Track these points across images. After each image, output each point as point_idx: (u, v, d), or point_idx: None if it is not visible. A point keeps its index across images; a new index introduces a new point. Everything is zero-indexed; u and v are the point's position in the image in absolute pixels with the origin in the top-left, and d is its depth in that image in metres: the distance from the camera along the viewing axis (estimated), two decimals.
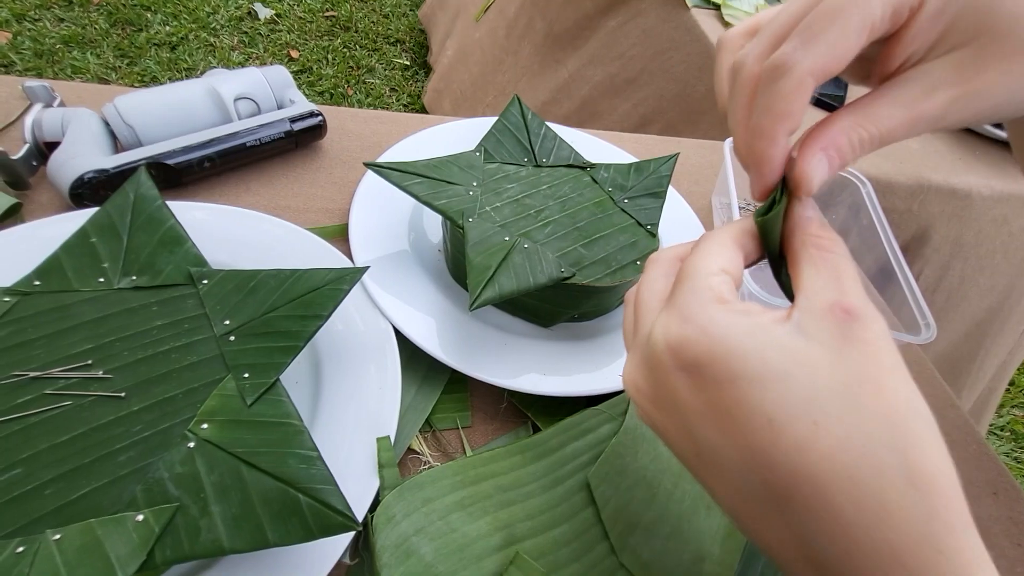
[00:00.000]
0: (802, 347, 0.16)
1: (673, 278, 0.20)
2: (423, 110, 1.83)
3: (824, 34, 0.18)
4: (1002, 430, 1.39)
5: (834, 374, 0.15)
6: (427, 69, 1.99)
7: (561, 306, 0.35)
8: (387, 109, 1.82)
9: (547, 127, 0.44)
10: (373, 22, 2.09)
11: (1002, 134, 0.79)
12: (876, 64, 0.20)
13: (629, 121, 0.94)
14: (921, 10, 0.18)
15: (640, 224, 0.38)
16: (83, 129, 0.36)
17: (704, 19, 0.86)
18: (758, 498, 0.16)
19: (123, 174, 0.35)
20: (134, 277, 0.28)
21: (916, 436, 0.15)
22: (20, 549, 0.19)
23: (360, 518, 0.25)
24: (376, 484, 0.26)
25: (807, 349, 0.16)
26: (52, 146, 0.36)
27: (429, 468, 0.28)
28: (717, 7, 0.88)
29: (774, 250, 0.21)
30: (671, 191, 0.48)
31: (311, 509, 0.21)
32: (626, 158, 0.51)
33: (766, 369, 0.16)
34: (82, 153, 0.35)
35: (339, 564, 0.24)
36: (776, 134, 0.19)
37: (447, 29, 1.61)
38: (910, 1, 0.18)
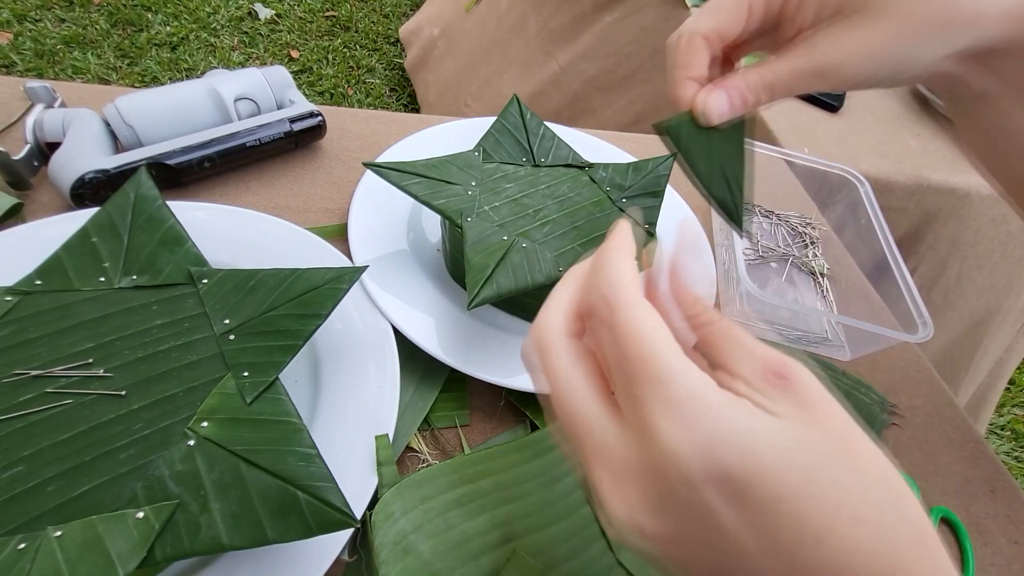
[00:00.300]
0: (794, 434, 0.14)
1: (587, 362, 0.16)
2: (423, 110, 1.83)
3: (712, 7, 0.25)
4: (1003, 429, 1.39)
5: (832, 455, 0.14)
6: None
7: None
8: (387, 109, 1.82)
9: (545, 127, 0.44)
10: (373, 22, 2.09)
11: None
12: (779, 33, 0.25)
13: (623, 117, 0.94)
14: None
15: (638, 224, 0.38)
16: (84, 129, 0.36)
17: None
18: None
19: (123, 174, 0.35)
20: (134, 276, 0.28)
21: (903, 489, 0.15)
22: (22, 546, 0.19)
23: (359, 515, 0.25)
24: (375, 482, 0.26)
25: (798, 434, 0.14)
26: (53, 146, 0.36)
27: (427, 466, 0.28)
28: None
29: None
30: (670, 190, 0.48)
31: (310, 506, 0.21)
32: (625, 157, 0.51)
33: (799, 480, 0.14)
34: (83, 153, 0.35)
35: (338, 561, 0.24)
36: (677, 79, 0.26)
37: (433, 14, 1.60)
38: None
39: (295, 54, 1.88)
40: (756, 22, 0.25)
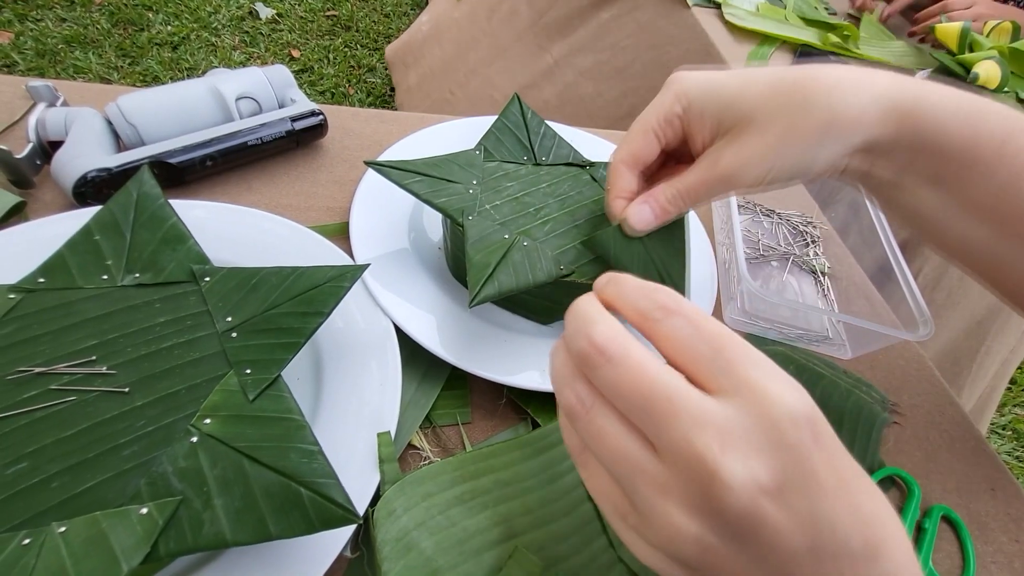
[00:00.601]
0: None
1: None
2: (425, 110, 1.83)
3: (627, 139, 0.30)
4: (1004, 428, 1.39)
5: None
6: None
7: (560, 303, 0.35)
8: (388, 108, 1.82)
9: (546, 126, 0.44)
10: (374, 21, 2.09)
11: None
12: (693, 152, 0.29)
13: (616, 110, 0.93)
14: (687, 115, 0.28)
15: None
16: (86, 128, 0.36)
17: (705, 17, 0.86)
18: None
19: (126, 173, 0.35)
20: (137, 274, 0.28)
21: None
22: (26, 541, 0.20)
23: (361, 512, 0.25)
24: (377, 479, 0.26)
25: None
26: (55, 145, 0.36)
27: (429, 463, 0.28)
28: (718, 6, 0.88)
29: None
30: None
31: (312, 502, 0.21)
32: None
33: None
34: (85, 152, 0.35)
35: (340, 558, 0.24)
36: (609, 199, 0.31)
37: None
38: (674, 109, 0.28)
39: (296, 53, 1.88)
40: (669, 142, 0.30)
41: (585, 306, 0.19)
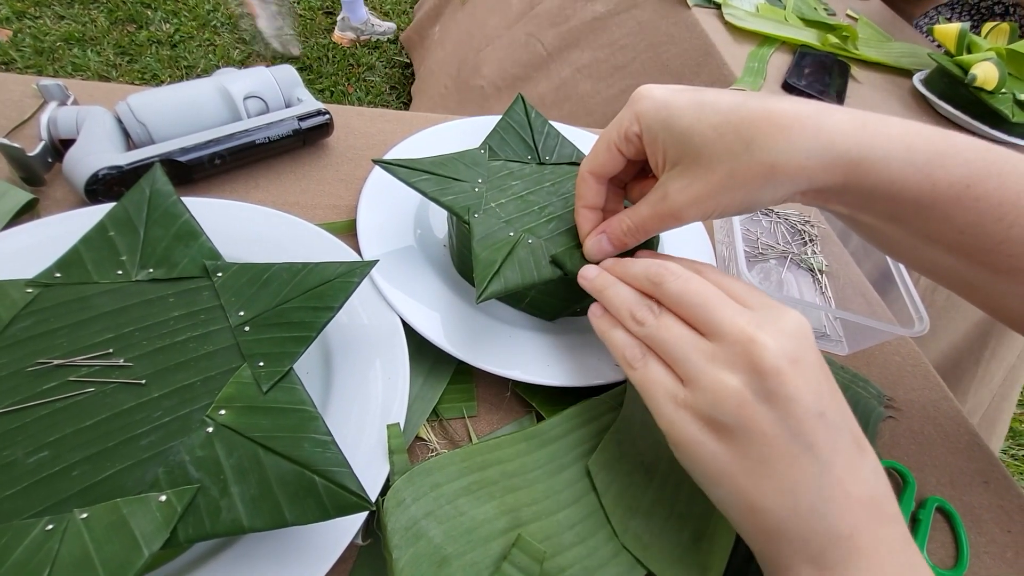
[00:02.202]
0: None
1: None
2: (427, 108, 1.83)
3: (593, 150, 0.31)
4: None
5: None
6: None
7: (564, 300, 0.36)
8: (387, 107, 1.83)
9: (550, 125, 0.45)
10: None
11: (1001, 135, 0.80)
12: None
13: (613, 106, 0.93)
14: (644, 136, 0.28)
15: None
16: (97, 127, 0.37)
17: (705, 17, 0.86)
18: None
19: (136, 171, 0.36)
20: (151, 269, 0.29)
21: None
22: (50, 527, 0.20)
23: (372, 501, 0.25)
24: (386, 470, 0.27)
25: None
26: (67, 143, 0.37)
27: (437, 455, 0.29)
28: (718, 6, 0.89)
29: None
30: None
31: (326, 490, 0.22)
32: None
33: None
34: (96, 150, 0.36)
35: (352, 545, 0.25)
36: (576, 208, 0.33)
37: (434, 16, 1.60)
38: (634, 129, 0.29)
39: (295, 52, 1.88)
40: (634, 156, 0.30)
41: (642, 260, 0.28)
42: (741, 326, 0.23)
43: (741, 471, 0.22)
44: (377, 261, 0.31)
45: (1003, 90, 0.79)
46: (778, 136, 0.24)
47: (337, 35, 1.97)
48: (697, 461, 0.23)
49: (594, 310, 0.30)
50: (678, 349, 0.24)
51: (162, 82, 1.67)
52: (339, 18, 1.96)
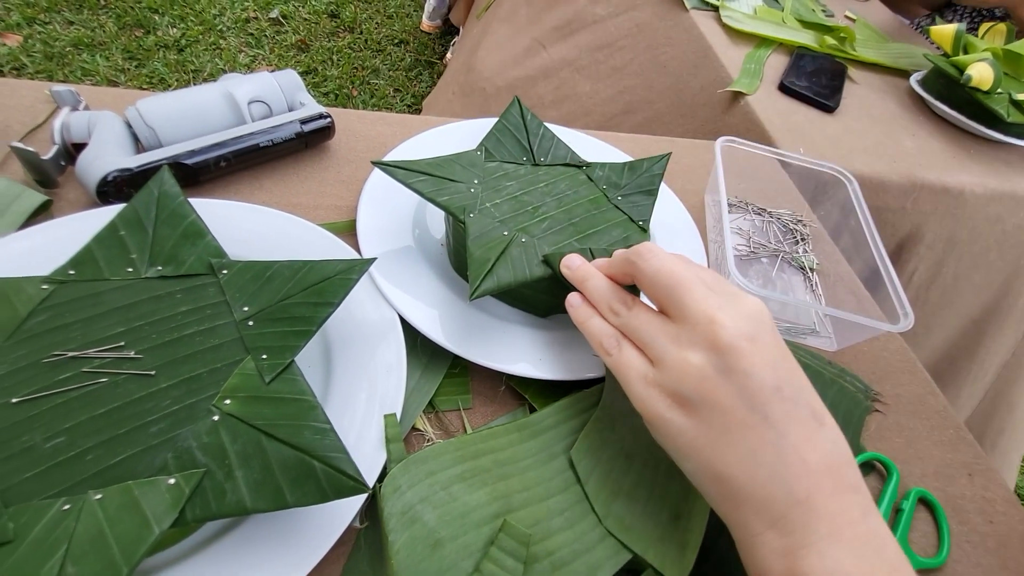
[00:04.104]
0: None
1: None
2: (436, 113, 1.85)
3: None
4: None
5: None
6: (431, 69, 2.01)
7: (556, 297, 0.37)
8: (391, 109, 1.84)
9: (545, 127, 0.46)
10: (378, 23, 2.11)
11: (997, 135, 0.80)
12: None
13: (611, 107, 0.94)
14: None
15: (632, 220, 0.40)
16: (107, 131, 0.38)
17: (703, 20, 0.87)
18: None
19: (145, 173, 0.37)
20: (160, 267, 0.30)
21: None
22: (66, 507, 0.22)
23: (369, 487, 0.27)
24: (383, 458, 0.28)
25: None
26: (79, 147, 0.38)
27: (432, 444, 0.30)
28: (715, 8, 0.90)
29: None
30: (665, 189, 0.50)
31: (325, 474, 0.23)
32: (621, 157, 0.53)
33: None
34: (107, 154, 0.37)
35: (350, 528, 0.26)
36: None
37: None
38: None
39: (300, 56, 1.90)
40: None
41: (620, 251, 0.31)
42: (703, 308, 0.25)
43: (706, 443, 0.24)
44: (375, 259, 0.32)
45: (999, 90, 0.80)
46: None
47: (426, 23, 2.04)
48: (668, 435, 0.25)
49: (571, 300, 0.31)
50: (647, 333, 0.27)
51: (169, 86, 1.69)
52: (430, 8, 2.00)
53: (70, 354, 0.26)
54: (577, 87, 0.99)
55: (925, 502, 0.36)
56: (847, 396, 0.40)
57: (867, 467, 0.37)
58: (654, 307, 0.28)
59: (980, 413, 1.01)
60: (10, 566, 0.20)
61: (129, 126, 0.40)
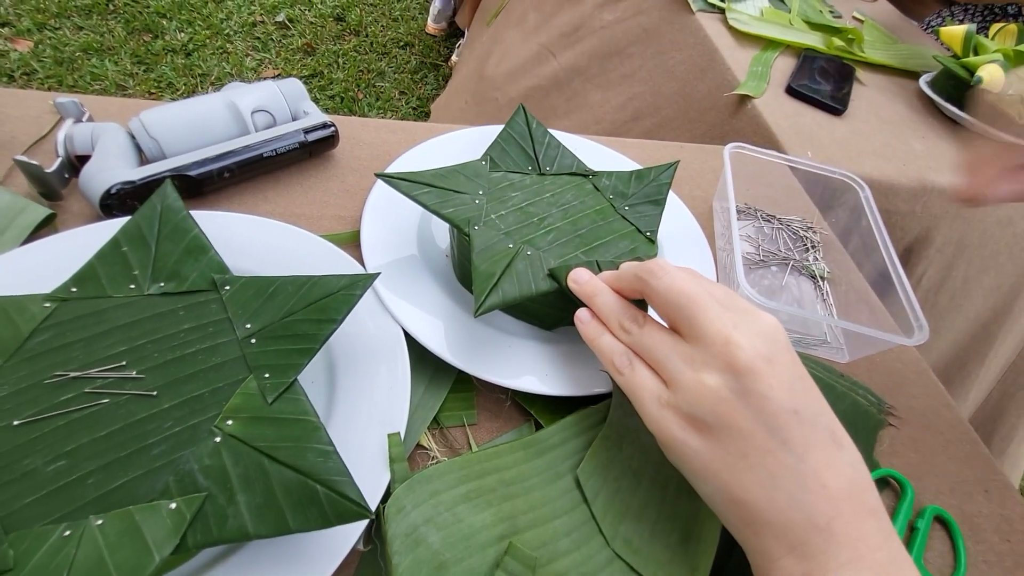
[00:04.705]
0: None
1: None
2: (431, 113, 1.85)
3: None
4: None
5: None
6: (436, 71, 2.01)
7: (562, 311, 0.36)
8: (397, 112, 1.84)
9: (551, 135, 0.45)
10: (383, 26, 2.12)
11: (1009, 137, 0.79)
12: None
13: (621, 114, 0.94)
14: None
15: (639, 231, 0.40)
16: (111, 143, 0.38)
17: (709, 23, 0.87)
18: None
19: (148, 185, 0.37)
20: (162, 284, 0.30)
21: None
22: (67, 533, 0.21)
23: (373, 508, 0.26)
24: (387, 477, 0.28)
25: None
26: (82, 159, 0.38)
27: (437, 463, 0.29)
28: (722, 11, 0.89)
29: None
30: (673, 197, 0.49)
31: (328, 499, 0.23)
32: (628, 163, 0.52)
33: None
34: (110, 166, 0.37)
35: (353, 551, 0.26)
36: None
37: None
38: None
39: (307, 59, 1.91)
40: None
41: (630, 263, 0.30)
42: (718, 328, 0.24)
43: (723, 466, 0.23)
44: (378, 275, 0.32)
45: (1010, 92, 0.79)
46: None
47: (431, 26, 2.05)
48: (683, 458, 0.25)
49: (581, 315, 0.31)
50: (660, 352, 0.26)
51: (177, 90, 1.70)
52: (435, 10, 2.02)
53: (72, 374, 0.26)
54: (588, 96, 0.99)
55: (941, 520, 0.35)
56: (859, 410, 0.39)
57: (881, 483, 0.37)
58: (664, 323, 0.28)
59: (983, 416, 1.00)
60: None
61: (132, 138, 0.40)
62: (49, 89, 1.61)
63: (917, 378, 0.44)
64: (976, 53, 0.83)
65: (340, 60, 1.95)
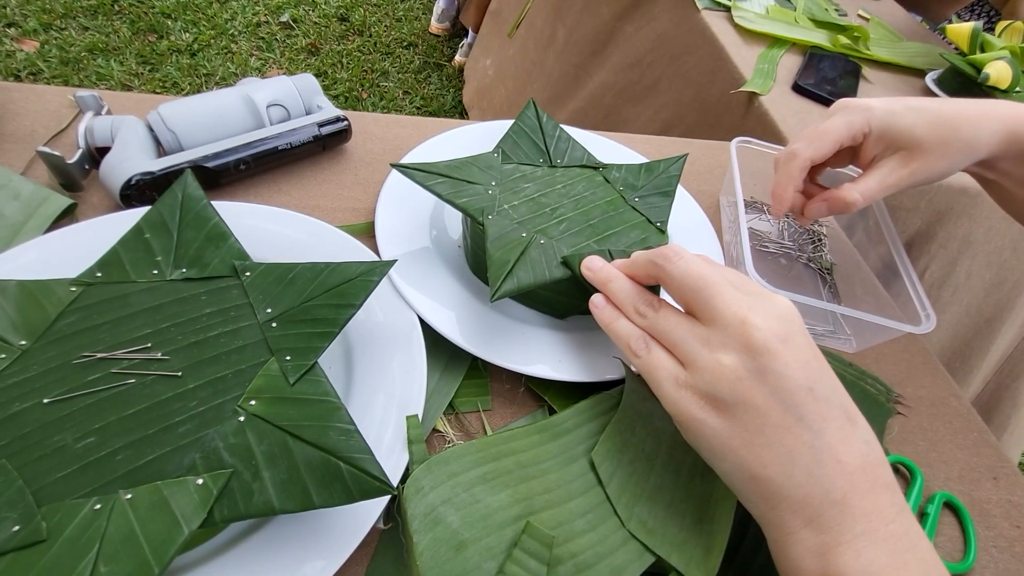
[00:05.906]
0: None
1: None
2: (435, 112, 1.86)
3: (817, 142, 0.39)
4: None
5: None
6: (440, 71, 2.02)
7: (574, 299, 0.37)
8: (401, 111, 1.85)
9: (561, 129, 0.46)
10: (387, 26, 2.13)
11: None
12: (858, 159, 0.41)
13: (651, 128, 0.95)
14: (869, 135, 0.39)
15: (650, 221, 0.40)
16: (130, 135, 0.39)
17: (715, 21, 0.87)
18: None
19: (167, 176, 0.37)
20: (184, 269, 0.31)
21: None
22: (98, 506, 0.22)
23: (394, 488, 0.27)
24: (405, 459, 0.28)
25: None
26: (102, 151, 0.39)
27: (454, 446, 0.30)
28: (727, 8, 0.90)
29: None
30: (681, 191, 0.50)
31: (351, 475, 0.23)
32: (637, 158, 0.53)
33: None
34: (130, 157, 0.38)
35: (374, 529, 0.26)
36: (786, 189, 0.40)
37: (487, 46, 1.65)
38: (863, 129, 0.39)
39: (311, 59, 1.92)
40: (842, 149, 0.40)
41: (642, 251, 0.31)
42: (734, 310, 0.25)
43: (741, 443, 0.24)
44: (395, 261, 0.33)
45: (1017, 89, 0.79)
46: (970, 126, 0.37)
47: (435, 26, 2.07)
48: (701, 437, 0.25)
49: (595, 301, 0.31)
50: (676, 334, 0.27)
51: (182, 90, 1.71)
52: (439, 10, 2.04)
53: (99, 355, 0.26)
54: (622, 112, 1.01)
55: (950, 506, 0.36)
56: (868, 398, 0.39)
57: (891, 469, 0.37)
58: (679, 307, 0.28)
59: (977, 408, 1.00)
60: (44, 565, 0.20)
61: (151, 130, 0.40)
62: None
63: (924, 368, 0.45)
64: (983, 50, 0.84)
65: (344, 60, 1.96)
